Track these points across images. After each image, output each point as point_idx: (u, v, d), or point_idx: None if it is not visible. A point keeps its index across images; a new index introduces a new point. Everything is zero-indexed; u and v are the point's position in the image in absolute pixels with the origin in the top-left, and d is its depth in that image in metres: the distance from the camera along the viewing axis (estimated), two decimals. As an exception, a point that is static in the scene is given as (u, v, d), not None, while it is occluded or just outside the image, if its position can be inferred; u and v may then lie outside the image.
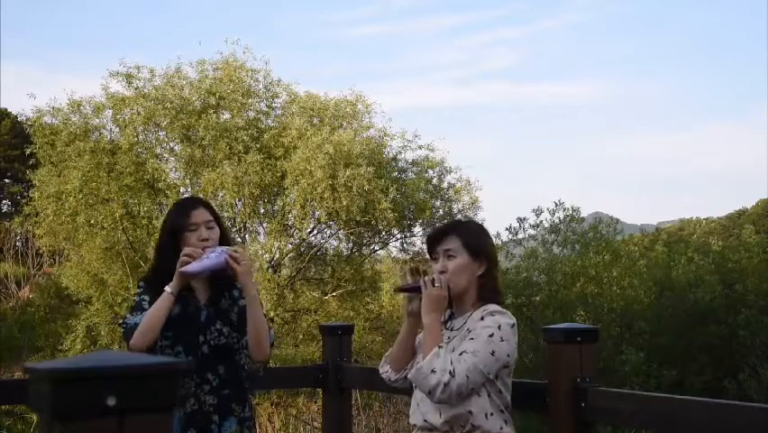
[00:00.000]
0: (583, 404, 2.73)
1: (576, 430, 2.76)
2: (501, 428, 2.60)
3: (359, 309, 14.33)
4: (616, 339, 9.90)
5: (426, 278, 2.65)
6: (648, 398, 2.78)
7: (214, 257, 2.86)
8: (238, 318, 2.98)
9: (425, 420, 2.64)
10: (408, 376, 2.66)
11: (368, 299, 14.83)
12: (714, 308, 10.06)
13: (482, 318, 2.59)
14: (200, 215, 2.97)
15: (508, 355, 2.59)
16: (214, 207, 3.13)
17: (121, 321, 2.96)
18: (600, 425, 4.04)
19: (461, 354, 2.53)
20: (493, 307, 2.63)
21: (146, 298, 2.93)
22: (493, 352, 2.54)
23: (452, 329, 2.69)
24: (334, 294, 14.63)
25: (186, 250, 2.88)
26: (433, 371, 2.51)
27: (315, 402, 10.46)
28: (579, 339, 2.80)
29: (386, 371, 2.84)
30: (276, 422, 9.77)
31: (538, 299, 11.00)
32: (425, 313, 2.61)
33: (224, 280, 2.96)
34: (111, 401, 0.92)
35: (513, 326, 2.62)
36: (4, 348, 14.57)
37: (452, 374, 2.48)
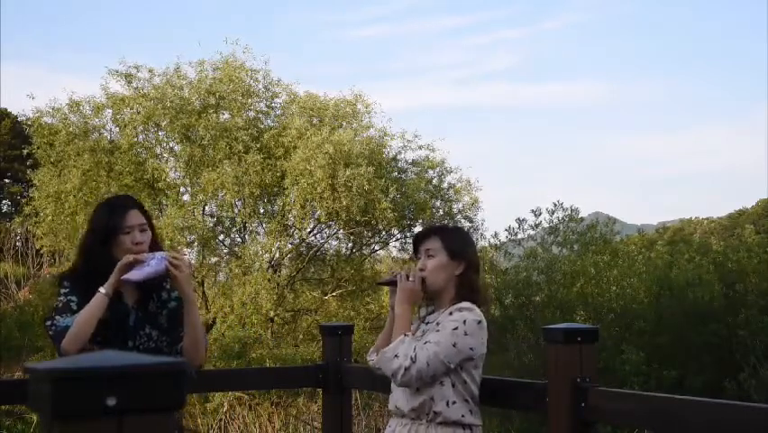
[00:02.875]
0: (583, 404, 2.73)
1: (576, 430, 2.76)
2: (463, 416, 2.79)
3: (359, 309, 14.33)
4: (616, 339, 9.90)
5: (402, 272, 2.90)
6: (648, 398, 2.77)
7: (155, 264, 2.81)
8: (167, 321, 2.94)
9: (396, 406, 2.89)
10: (375, 360, 2.89)
11: (368, 299, 14.82)
12: (714, 307, 10.06)
13: (451, 313, 2.80)
14: (135, 217, 2.90)
15: (472, 349, 2.78)
16: (146, 209, 3.07)
17: (49, 323, 2.83)
18: (600, 425, 4.04)
19: (425, 343, 2.75)
20: (465, 304, 2.82)
21: (73, 298, 2.84)
22: (455, 344, 2.74)
23: (427, 323, 2.91)
24: (334, 294, 14.63)
25: (129, 257, 2.81)
26: (396, 356, 2.74)
27: (315, 402, 10.45)
28: (579, 339, 2.80)
29: (372, 358, 3.01)
30: (276, 422, 9.77)
31: (538, 299, 11.00)
32: (398, 304, 2.86)
33: (152, 283, 2.89)
34: (111, 401, 0.92)
35: (479, 322, 2.80)
36: (3, 348, 14.56)
37: (413, 360, 2.71)
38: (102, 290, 2.79)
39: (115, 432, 0.93)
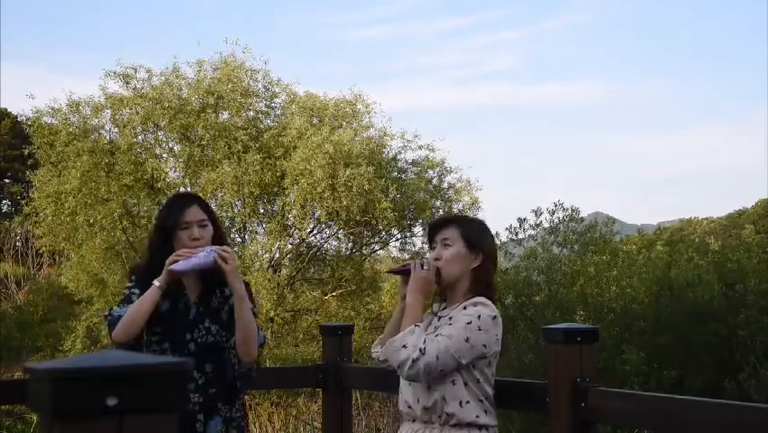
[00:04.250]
0: (583, 404, 2.73)
1: (576, 430, 2.76)
2: (477, 417, 2.65)
3: (359, 309, 14.32)
4: (616, 339, 9.89)
5: (416, 261, 2.77)
6: (648, 398, 2.78)
7: (202, 256, 2.85)
8: (228, 317, 2.95)
9: (407, 406, 2.75)
10: (381, 351, 2.76)
11: (368, 299, 14.82)
12: (714, 307, 10.05)
13: (465, 308, 2.67)
14: (193, 213, 2.95)
15: (485, 346, 2.64)
16: (209, 204, 3.12)
17: (107, 312, 2.94)
18: (600, 425, 4.04)
19: (436, 336, 2.61)
20: (480, 298, 2.69)
21: (136, 291, 2.92)
22: (467, 339, 2.61)
23: (440, 318, 2.76)
24: (334, 294, 14.63)
25: (178, 252, 2.87)
26: (404, 346, 2.60)
27: (315, 402, 10.46)
28: (579, 339, 2.80)
29: (377, 351, 2.90)
30: (276, 422, 9.77)
31: (538, 299, 10.99)
32: (410, 293, 2.72)
33: (215, 278, 2.93)
34: (111, 401, 0.92)
35: (494, 318, 2.67)
36: (3, 348, 14.57)
37: (422, 352, 2.56)
38: (156, 282, 2.85)
39: (115, 432, 0.93)
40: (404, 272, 2.80)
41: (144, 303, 2.83)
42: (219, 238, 3.01)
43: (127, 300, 2.91)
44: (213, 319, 2.95)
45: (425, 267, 2.72)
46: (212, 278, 2.94)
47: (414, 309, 2.69)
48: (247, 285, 3.00)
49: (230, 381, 2.95)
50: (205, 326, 2.94)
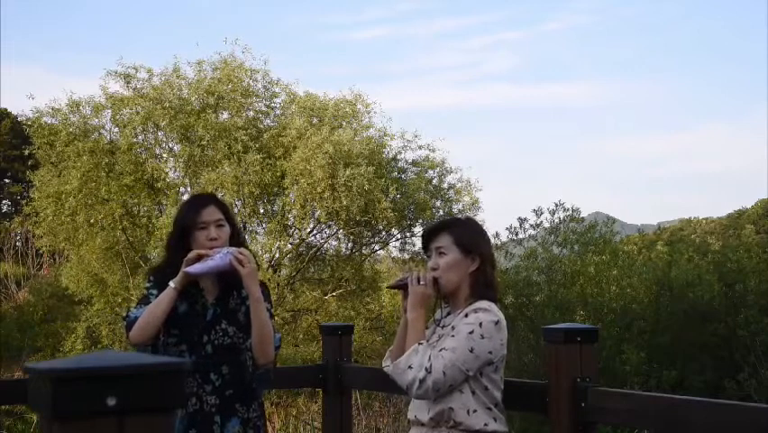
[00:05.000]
0: (583, 404, 2.73)
1: (576, 430, 2.75)
2: (486, 425, 2.61)
3: (359, 309, 14.33)
4: (616, 339, 9.89)
5: (413, 275, 2.72)
6: (648, 398, 2.77)
7: (218, 258, 2.84)
8: (245, 318, 2.94)
9: (414, 416, 2.71)
10: (389, 371, 2.71)
11: (368, 299, 14.82)
12: (714, 307, 10.06)
13: (466, 315, 2.63)
14: (210, 213, 2.95)
15: (490, 353, 2.61)
16: (226, 204, 3.11)
17: (125, 314, 2.95)
18: (600, 425, 4.05)
19: (440, 351, 2.58)
20: (481, 303, 2.65)
21: (154, 292, 2.92)
22: (472, 349, 2.57)
23: (443, 327, 2.72)
24: (334, 294, 14.63)
25: (192, 252, 2.87)
26: (410, 367, 2.57)
27: (315, 402, 10.47)
28: (579, 339, 2.79)
29: (387, 365, 2.85)
30: (276, 422, 9.77)
31: (538, 299, 10.99)
32: (410, 309, 2.68)
33: (233, 279, 2.92)
34: (111, 401, 0.92)
35: (497, 323, 2.63)
36: (3, 348, 14.57)
37: (428, 371, 2.54)
38: (171, 283, 2.85)
39: (115, 432, 0.93)
40: (402, 287, 2.76)
41: (160, 305, 2.83)
42: (236, 238, 3.01)
43: (145, 301, 2.91)
44: (230, 321, 2.95)
45: (421, 281, 2.69)
46: (229, 279, 2.93)
47: (416, 326, 2.66)
48: (264, 286, 2.99)
49: (247, 382, 2.95)
50: (223, 327, 2.93)
